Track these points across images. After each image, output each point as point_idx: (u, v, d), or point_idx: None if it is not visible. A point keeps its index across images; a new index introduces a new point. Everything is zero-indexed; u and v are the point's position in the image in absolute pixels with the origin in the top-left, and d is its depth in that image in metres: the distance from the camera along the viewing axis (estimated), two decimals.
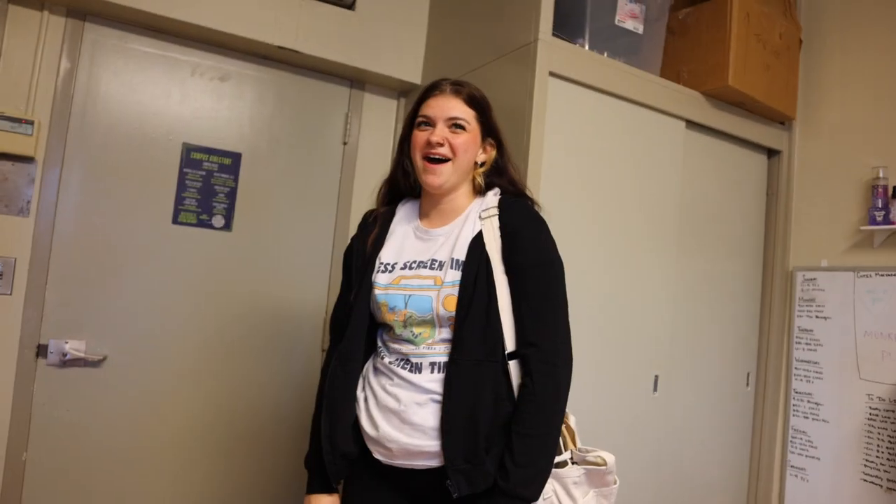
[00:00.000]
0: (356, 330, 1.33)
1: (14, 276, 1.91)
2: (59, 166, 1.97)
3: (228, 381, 2.18)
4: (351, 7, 2.27)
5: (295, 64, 2.29)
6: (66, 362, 1.97)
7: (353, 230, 2.32)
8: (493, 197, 1.34)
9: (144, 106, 2.09)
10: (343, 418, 1.32)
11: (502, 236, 1.27)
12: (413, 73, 2.37)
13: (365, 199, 2.39)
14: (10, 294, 1.90)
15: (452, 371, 1.22)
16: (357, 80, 2.40)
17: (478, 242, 1.27)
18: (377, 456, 1.28)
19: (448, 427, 1.20)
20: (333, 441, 1.31)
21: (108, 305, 2.02)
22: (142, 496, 2.06)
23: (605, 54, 2.03)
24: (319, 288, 2.34)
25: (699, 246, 2.24)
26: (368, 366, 1.36)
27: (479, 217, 1.31)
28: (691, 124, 2.18)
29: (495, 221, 1.29)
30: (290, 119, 2.30)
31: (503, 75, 1.90)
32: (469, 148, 1.33)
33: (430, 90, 1.35)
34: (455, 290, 1.23)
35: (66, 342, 1.97)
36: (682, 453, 2.18)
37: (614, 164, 1.98)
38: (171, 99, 2.12)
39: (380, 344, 1.35)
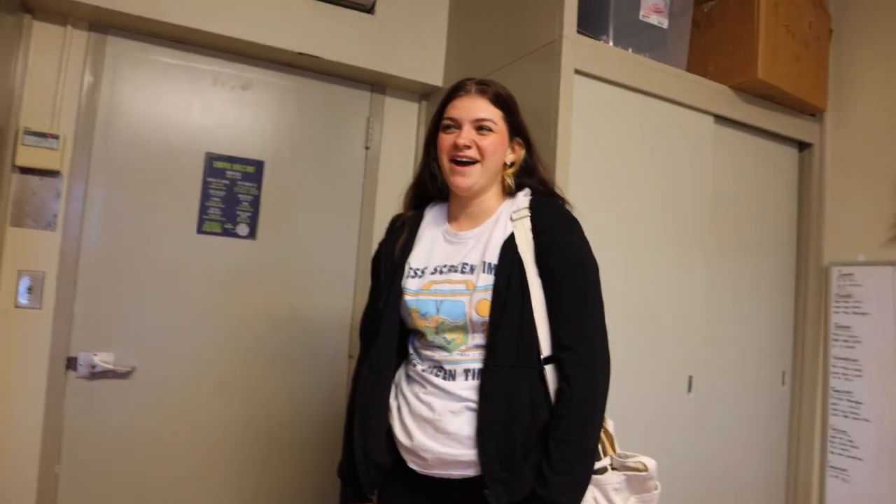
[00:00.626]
0: (387, 337, 1.31)
1: (43, 290, 1.92)
2: (84, 179, 1.97)
3: (255, 390, 2.17)
4: (370, 11, 2.26)
5: (315, 70, 2.28)
6: (96, 374, 1.97)
7: (377, 235, 2.34)
8: (523, 198, 1.31)
9: (167, 116, 2.09)
10: (376, 428, 1.29)
11: (535, 237, 1.24)
12: (434, 75, 2.34)
13: (388, 203, 2.37)
14: (40, 308, 1.91)
15: (487, 378, 1.19)
16: (378, 84, 2.38)
17: (510, 245, 1.24)
18: (412, 465, 1.26)
19: (484, 435, 1.17)
20: (367, 451, 1.29)
21: (136, 316, 2.02)
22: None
23: (630, 50, 1.99)
24: (345, 294, 2.32)
25: (730, 243, 2.19)
26: (400, 373, 1.34)
27: (511, 219, 1.28)
28: (720, 119, 2.13)
29: (527, 223, 1.26)
30: (311, 125, 2.29)
31: (527, 74, 1.87)
32: (497, 149, 1.30)
33: (455, 91, 1.33)
34: (488, 295, 1.20)
35: (95, 354, 1.97)
36: (718, 454, 2.13)
37: (642, 162, 1.94)
38: (194, 109, 2.12)
39: (411, 351, 1.32)
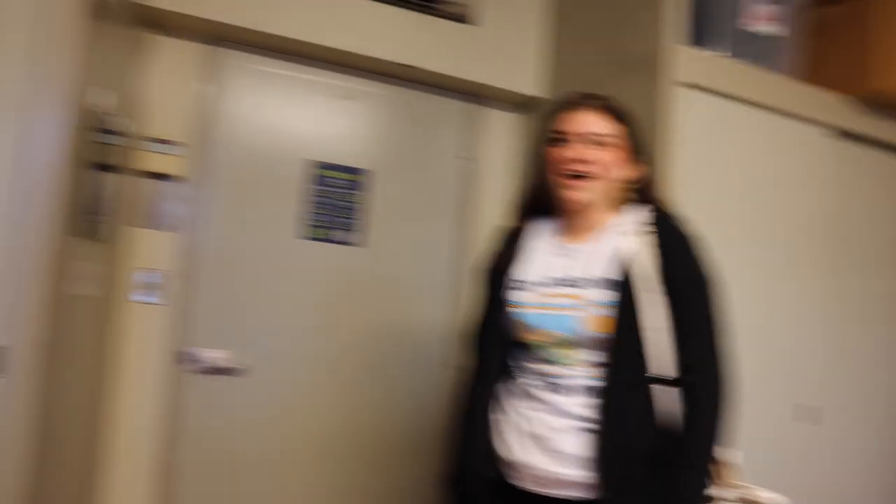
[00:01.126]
0: (492, 349, 1.31)
1: (164, 288, 2.03)
2: (202, 184, 2.09)
3: (357, 395, 2.22)
4: (470, 22, 2.28)
5: (416, 80, 2.32)
6: (211, 371, 2.06)
7: (475, 246, 2.36)
8: (644, 213, 1.29)
9: (276, 125, 2.18)
10: (480, 440, 1.29)
11: (657, 254, 1.21)
12: (534, 86, 2.34)
13: (486, 214, 2.39)
14: (161, 304, 2.02)
15: (604, 396, 1.17)
16: (477, 94, 2.40)
17: (630, 261, 1.22)
18: (513, 481, 1.25)
19: (599, 456, 1.15)
20: (470, 463, 1.29)
21: (248, 317, 2.12)
22: (278, 500, 2.12)
23: (740, 61, 1.92)
24: (442, 304, 2.35)
25: (850, 263, 2.05)
26: (504, 386, 1.33)
27: (627, 233, 1.26)
28: (838, 131, 2.02)
29: (648, 239, 1.23)
30: (411, 135, 2.34)
31: (631, 87, 1.83)
32: (609, 163, 1.28)
33: (568, 104, 1.32)
34: (604, 311, 1.19)
35: (211, 352, 2.07)
36: (847, 488, 1.99)
37: (754, 178, 1.87)
38: (301, 118, 2.21)
39: (516, 364, 1.32)
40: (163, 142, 2.03)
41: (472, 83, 2.30)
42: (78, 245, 1.51)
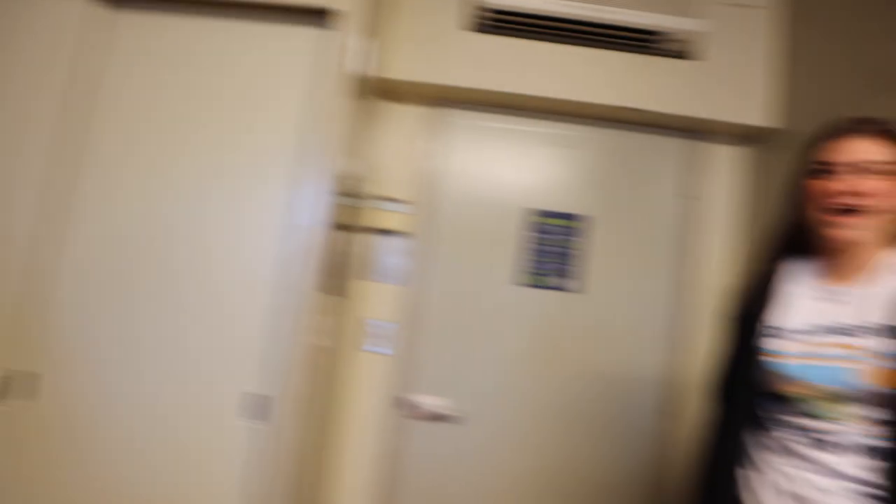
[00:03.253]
0: (742, 399, 1.19)
1: (391, 337, 2.16)
2: (426, 238, 2.21)
3: (573, 442, 2.16)
4: (690, 57, 2.18)
5: (633, 122, 2.27)
6: (430, 417, 2.14)
7: (697, 287, 2.21)
8: None
9: (496, 177, 2.25)
10: (727, 497, 1.18)
11: None
12: (763, 116, 2.16)
13: (710, 254, 2.23)
14: (388, 353, 2.16)
15: (893, 459, 1.00)
16: (698, 130, 2.28)
17: None
18: None
19: None
20: None
21: (467, 365, 2.17)
22: None
23: None
24: (662, 348, 2.21)
25: None
26: (755, 440, 1.20)
27: None
28: None
29: None
30: (629, 177, 2.28)
31: (887, 106, 1.61)
32: (883, 194, 1.12)
33: (833, 133, 1.18)
34: (889, 363, 1.02)
35: (431, 398, 2.15)
36: None
37: None
38: (519, 168, 2.26)
39: (770, 416, 1.18)
40: (392, 200, 2.18)
41: (693, 119, 2.18)
42: (326, 301, 1.65)
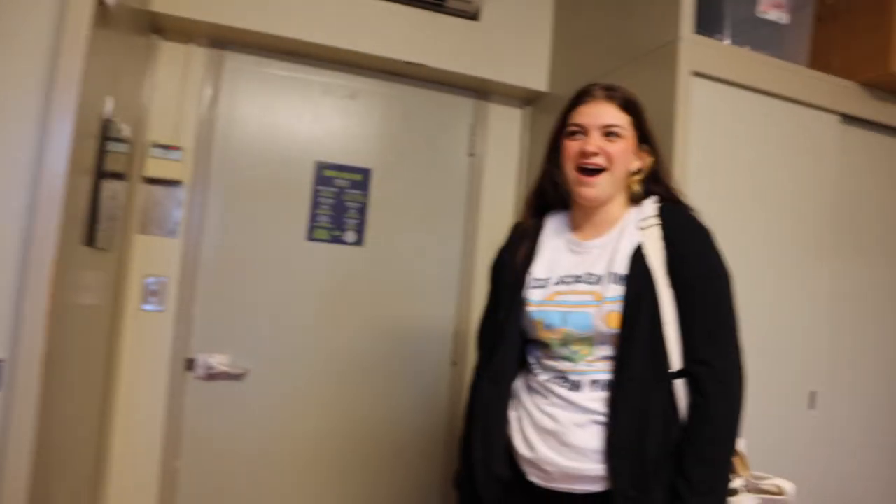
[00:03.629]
0: (508, 347, 1.29)
1: (166, 294, 2.02)
2: (203, 189, 2.07)
3: (361, 394, 2.21)
4: (475, 18, 2.25)
5: (421, 78, 2.30)
6: (212, 376, 2.05)
7: (481, 242, 2.34)
8: (651, 205, 1.26)
9: (279, 127, 2.16)
10: (496, 440, 1.27)
11: (665, 247, 1.19)
12: (539, 81, 2.32)
13: (492, 211, 2.37)
14: (163, 311, 2.01)
15: (617, 392, 1.15)
16: (482, 90, 2.38)
17: (639, 254, 1.19)
18: (533, 479, 1.23)
19: (615, 451, 1.13)
20: (487, 464, 1.27)
21: (249, 320, 2.10)
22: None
23: (748, 48, 1.89)
24: (448, 302, 2.33)
25: (858, 250, 2.04)
26: (520, 384, 1.31)
27: (639, 227, 1.23)
28: (846, 118, 1.99)
29: (656, 231, 1.21)
30: (416, 133, 2.32)
31: (641, 77, 1.81)
32: (625, 156, 1.26)
33: (582, 96, 1.29)
34: (618, 306, 1.16)
35: (212, 356, 2.05)
36: (843, 477, 1.98)
37: (764, 166, 1.84)
38: (304, 119, 2.19)
39: (532, 361, 1.30)
40: (169, 147, 2.00)
41: (479, 79, 2.27)
42: (83, 254, 1.49)
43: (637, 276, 1.17)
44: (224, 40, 2.10)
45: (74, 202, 1.37)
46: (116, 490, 1.95)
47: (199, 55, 2.08)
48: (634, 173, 1.29)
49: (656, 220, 1.22)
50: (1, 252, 1.27)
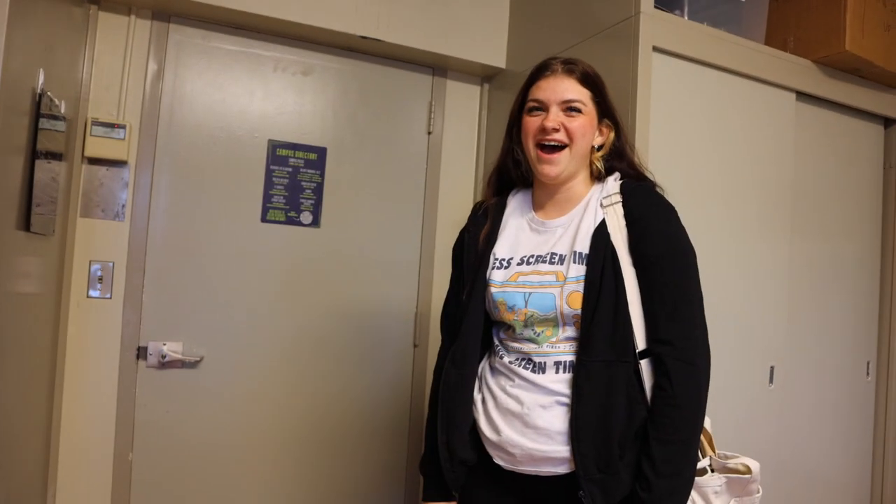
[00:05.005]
0: (471, 329, 1.26)
1: (113, 280, 1.93)
2: (150, 169, 1.97)
3: (320, 379, 2.16)
4: None
5: (376, 53, 2.23)
6: (165, 364, 1.98)
7: (440, 221, 2.30)
8: (613, 182, 1.24)
9: (229, 104, 2.07)
10: (460, 423, 1.25)
11: (628, 225, 1.17)
12: (497, 56, 2.27)
13: (451, 188, 2.33)
14: (111, 298, 1.93)
15: (581, 373, 1.13)
16: (439, 66, 2.32)
17: (601, 233, 1.17)
18: (498, 461, 1.21)
19: (579, 433, 1.11)
20: (451, 447, 1.25)
21: (202, 306, 2.03)
22: (241, 492, 2.06)
23: (705, 24, 1.89)
24: (409, 282, 2.29)
25: (813, 225, 2.07)
26: (484, 366, 1.29)
27: (601, 205, 1.21)
28: (802, 95, 2.01)
29: (619, 209, 1.18)
30: (373, 110, 2.25)
31: (600, 53, 1.78)
32: (586, 132, 1.22)
33: (541, 71, 1.25)
34: (580, 287, 1.14)
35: (164, 344, 1.98)
36: (799, 449, 2.04)
37: (721, 142, 1.85)
38: (255, 96, 2.10)
39: (496, 342, 1.27)
40: (110, 125, 1.90)
41: (436, 55, 2.22)
42: (17, 239, 1.40)
43: (599, 256, 1.15)
44: (168, 11, 1.99)
45: (4, 184, 1.28)
46: (67, 484, 1.87)
47: (141, 27, 1.97)
48: (597, 149, 1.27)
49: (619, 198, 1.20)
50: None
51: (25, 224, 1.42)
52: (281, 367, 2.11)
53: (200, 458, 2.02)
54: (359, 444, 2.20)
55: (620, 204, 1.19)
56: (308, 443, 2.14)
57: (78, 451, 1.88)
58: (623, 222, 1.17)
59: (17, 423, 1.52)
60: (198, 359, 2.01)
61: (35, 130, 1.42)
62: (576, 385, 1.13)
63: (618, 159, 1.27)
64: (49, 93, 1.48)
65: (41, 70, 1.44)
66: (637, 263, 1.15)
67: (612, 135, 1.27)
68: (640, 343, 1.13)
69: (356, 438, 2.20)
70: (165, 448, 1.98)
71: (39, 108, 1.43)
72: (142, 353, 1.96)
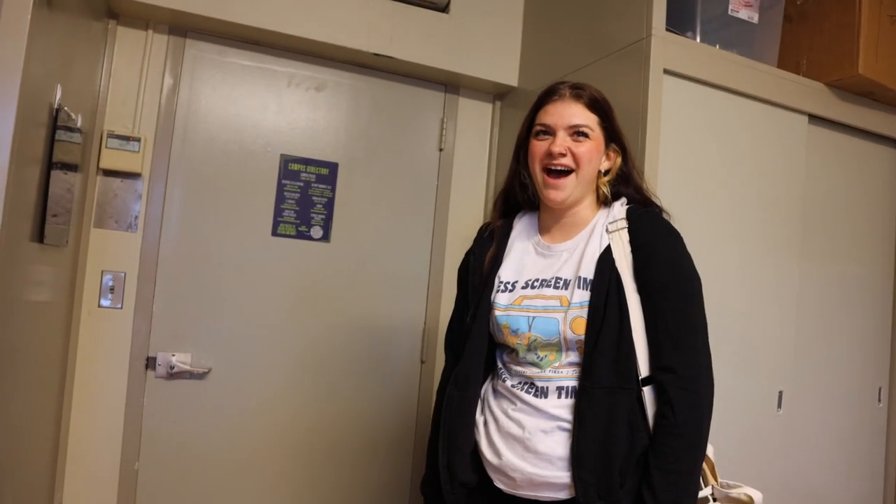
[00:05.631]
0: (474, 351, 1.26)
1: (124, 290, 1.95)
2: (163, 181, 2.00)
3: (327, 393, 2.16)
4: (445, 10, 2.21)
5: (389, 70, 2.25)
6: (174, 374, 1.99)
7: (450, 238, 2.31)
8: (620, 208, 1.24)
9: (243, 118, 2.10)
10: (461, 445, 1.25)
11: (633, 251, 1.17)
12: (509, 75, 2.28)
13: (461, 206, 2.34)
14: (121, 308, 1.95)
15: (583, 399, 1.13)
16: (452, 84, 2.34)
17: (606, 258, 1.17)
18: (499, 485, 1.21)
19: (580, 459, 1.11)
20: (452, 469, 1.25)
21: (212, 318, 2.04)
22: None
23: (717, 46, 1.89)
24: (418, 298, 2.29)
25: (823, 248, 2.05)
26: (487, 388, 1.29)
27: (607, 230, 1.21)
28: (814, 118, 2.00)
29: (624, 235, 1.19)
30: (385, 126, 2.27)
31: (611, 74, 1.79)
32: (593, 157, 1.23)
33: (548, 95, 1.26)
34: (584, 312, 1.14)
35: (173, 355, 1.99)
36: (808, 476, 2.01)
37: (732, 165, 1.84)
38: (269, 111, 2.12)
39: (500, 365, 1.27)
40: (125, 138, 1.93)
41: (448, 72, 2.23)
42: (31, 250, 1.42)
43: (604, 281, 1.15)
44: (184, 27, 2.02)
45: (21, 195, 1.30)
46: (74, 492, 1.88)
47: (158, 42, 2.00)
48: (604, 174, 1.27)
49: (624, 223, 1.20)
50: None
51: (40, 235, 1.45)
52: (288, 380, 2.12)
53: (206, 469, 2.02)
54: (363, 459, 2.20)
55: (626, 230, 1.19)
56: (314, 457, 2.14)
57: (85, 460, 1.90)
58: (628, 248, 1.18)
59: (26, 431, 1.54)
60: (206, 370, 2.02)
61: (51, 142, 1.45)
62: (578, 411, 1.13)
63: (624, 184, 1.28)
64: (66, 107, 1.51)
65: (59, 84, 1.47)
66: (641, 290, 1.15)
67: (619, 160, 1.28)
68: (644, 370, 1.13)
69: (361, 453, 2.20)
70: (172, 459, 1.99)
71: (56, 121, 1.45)
72: (151, 363, 1.98)
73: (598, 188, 1.27)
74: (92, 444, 1.91)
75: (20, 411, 1.47)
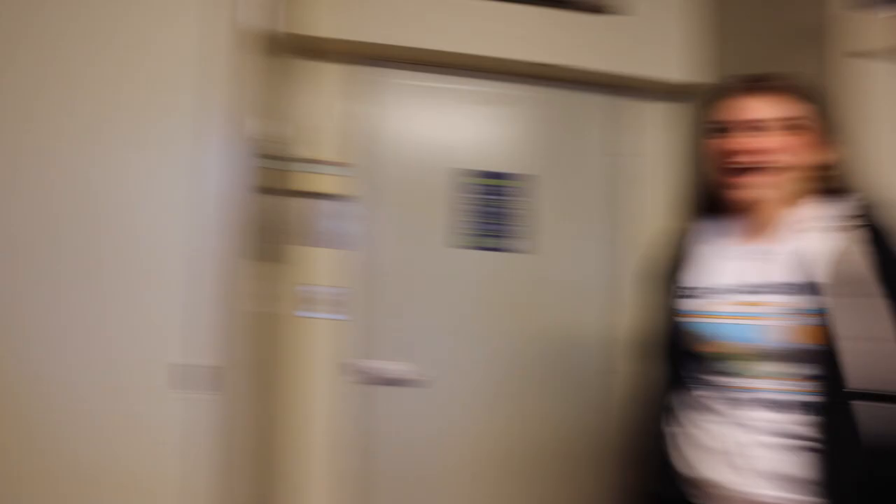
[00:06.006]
0: (667, 359, 1.23)
1: (343, 304, 2.13)
2: (368, 202, 2.17)
3: (525, 402, 2.21)
4: (609, 12, 2.19)
5: (559, 79, 2.27)
6: (384, 382, 2.13)
7: (631, 245, 2.25)
8: (837, 205, 1.14)
9: (429, 138, 2.23)
10: (655, 456, 1.23)
11: (873, 252, 1.06)
12: (687, 71, 2.19)
13: (646, 211, 2.28)
14: (339, 320, 2.12)
15: (821, 413, 1.05)
16: (625, 87, 2.30)
17: (832, 260, 1.08)
18: (695, 500, 1.16)
19: (825, 478, 1.02)
20: (652, 482, 1.22)
21: (419, 329, 2.17)
22: None
23: None
24: (600, 309, 2.28)
25: None
26: (679, 398, 1.25)
27: (824, 230, 1.12)
28: None
29: (850, 234, 1.09)
30: (559, 135, 2.30)
31: (801, 61, 1.65)
32: (784, 151, 1.14)
33: (730, 90, 1.20)
34: (808, 319, 1.06)
35: (388, 364, 2.13)
36: None
37: None
38: (452, 128, 2.24)
39: (691, 375, 1.22)
40: (324, 162, 2.13)
41: (616, 75, 2.20)
42: (257, 268, 1.62)
43: (808, 285, 1.07)
44: (373, 57, 2.18)
45: (247, 219, 1.50)
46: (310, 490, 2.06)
47: (349, 73, 2.18)
48: (814, 169, 1.17)
49: (848, 222, 1.10)
50: (178, 267, 1.43)
51: (260, 254, 1.65)
52: (487, 389, 2.19)
53: (422, 474, 2.14)
54: (561, 466, 2.21)
55: (852, 229, 1.09)
56: (515, 465, 2.19)
57: (305, 468, 2.06)
58: (864, 249, 1.07)
59: (260, 437, 1.72)
60: (414, 379, 2.13)
61: (270, 172, 1.64)
62: (819, 427, 1.05)
63: (832, 179, 1.17)
64: (277, 138, 1.70)
65: (276, 120, 1.66)
66: (883, 294, 1.05)
67: (831, 151, 1.18)
68: (874, 384, 1.03)
69: (559, 461, 2.21)
70: (381, 464, 2.12)
71: (270, 152, 1.65)
72: (360, 371, 2.12)
73: (800, 184, 1.17)
74: (311, 452, 2.07)
75: (268, 413, 1.64)
